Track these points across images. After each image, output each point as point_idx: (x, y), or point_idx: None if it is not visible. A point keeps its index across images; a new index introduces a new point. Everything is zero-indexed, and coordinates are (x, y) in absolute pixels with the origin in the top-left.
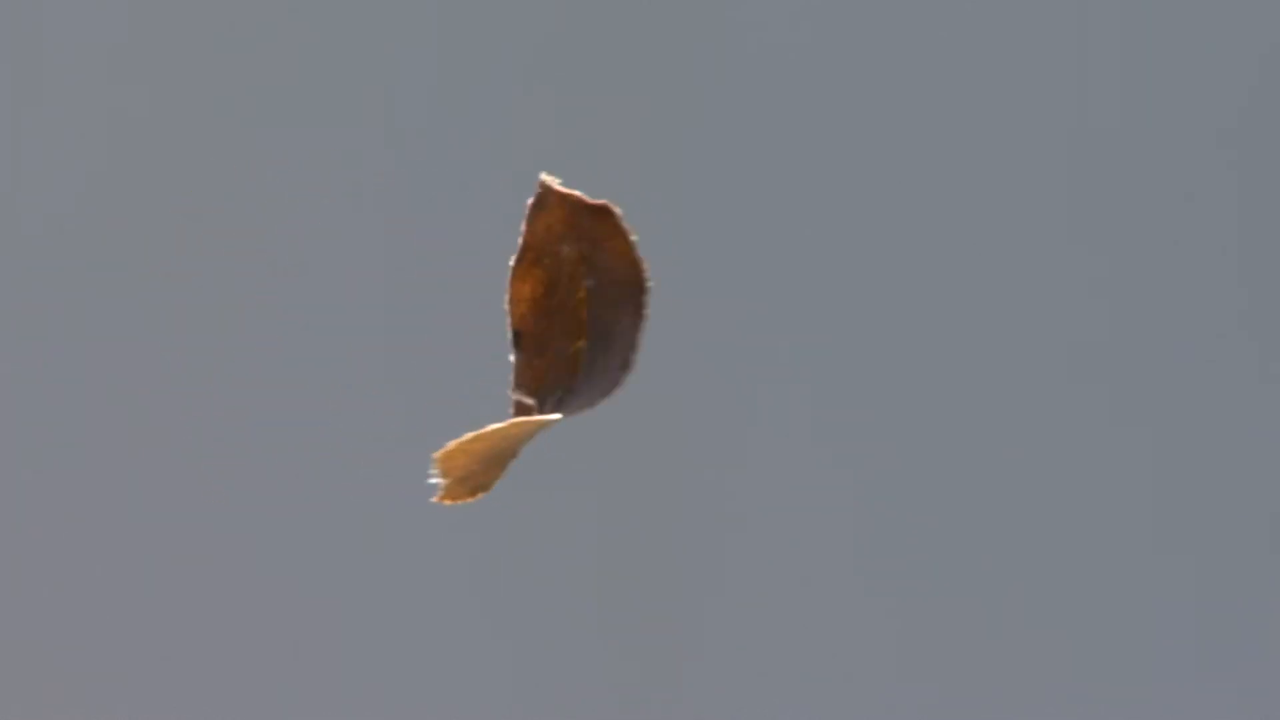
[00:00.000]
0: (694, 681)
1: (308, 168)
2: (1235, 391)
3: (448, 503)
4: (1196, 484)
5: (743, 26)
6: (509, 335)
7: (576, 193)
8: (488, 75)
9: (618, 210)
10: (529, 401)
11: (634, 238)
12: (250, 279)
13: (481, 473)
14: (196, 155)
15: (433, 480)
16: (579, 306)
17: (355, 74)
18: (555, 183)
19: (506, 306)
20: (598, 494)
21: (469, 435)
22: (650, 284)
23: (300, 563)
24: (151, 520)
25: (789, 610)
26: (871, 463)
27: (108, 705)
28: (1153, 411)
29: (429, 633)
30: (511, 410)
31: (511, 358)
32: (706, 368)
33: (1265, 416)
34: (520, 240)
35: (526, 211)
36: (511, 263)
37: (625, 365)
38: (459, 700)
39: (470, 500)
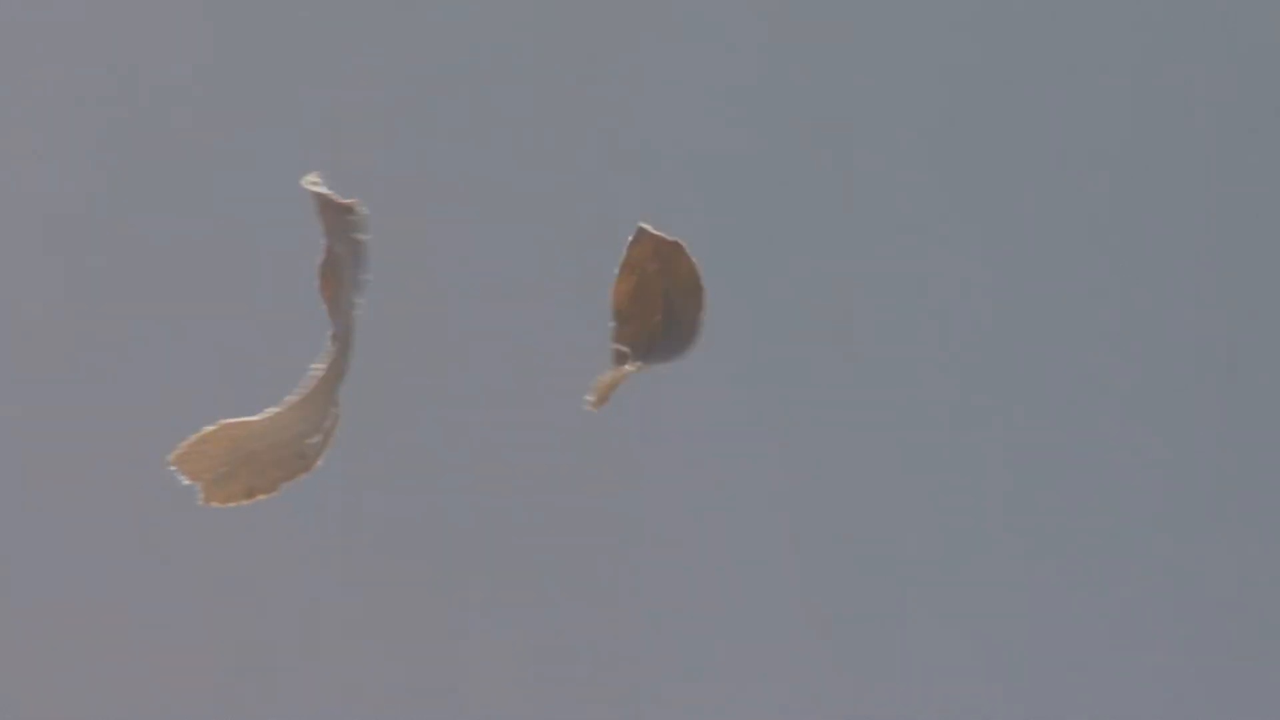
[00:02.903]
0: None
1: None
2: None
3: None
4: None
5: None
6: (612, 314)
7: (660, 233)
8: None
9: (685, 244)
10: (624, 349)
11: (695, 259)
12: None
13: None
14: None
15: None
16: (659, 298)
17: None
18: (648, 228)
19: (611, 298)
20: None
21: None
22: (705, 286)
23: (188, 567)
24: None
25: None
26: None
27: None
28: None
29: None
30: (612, 356)
31: (613, 325)
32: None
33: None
34: (622, 259)
35: (629, 241)
36: (616, 272)
37: (693, 334)
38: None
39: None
